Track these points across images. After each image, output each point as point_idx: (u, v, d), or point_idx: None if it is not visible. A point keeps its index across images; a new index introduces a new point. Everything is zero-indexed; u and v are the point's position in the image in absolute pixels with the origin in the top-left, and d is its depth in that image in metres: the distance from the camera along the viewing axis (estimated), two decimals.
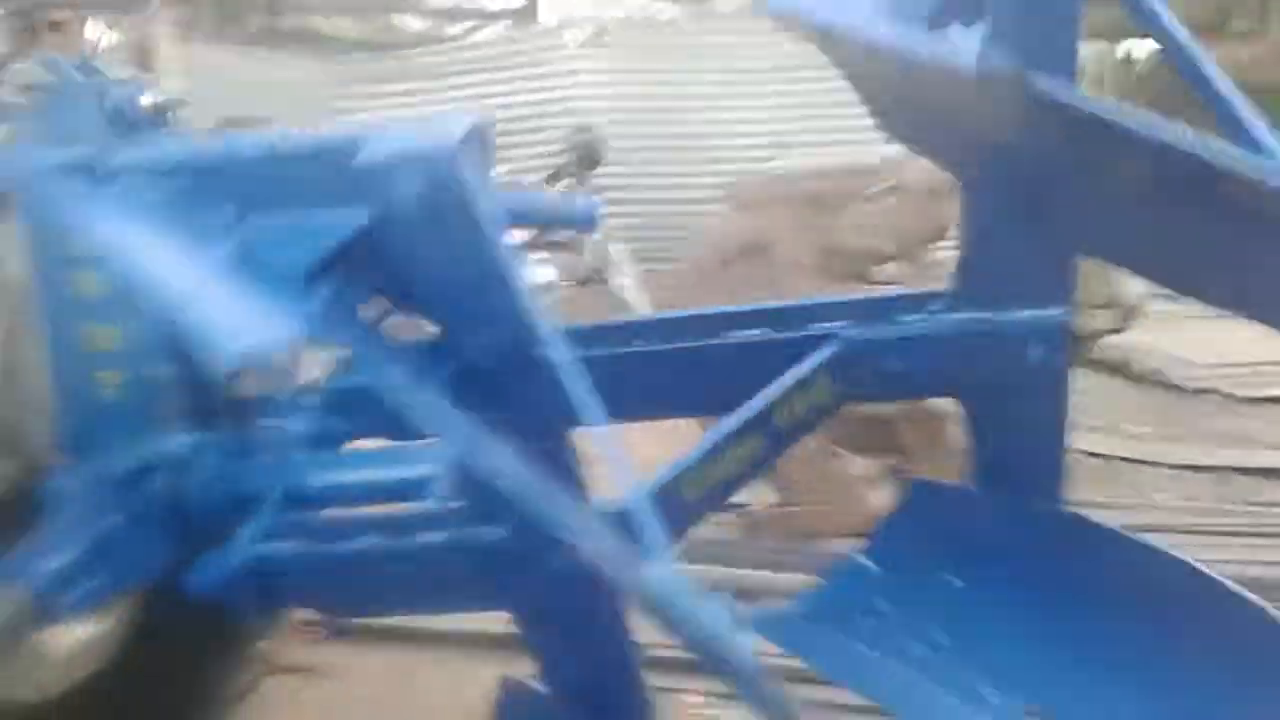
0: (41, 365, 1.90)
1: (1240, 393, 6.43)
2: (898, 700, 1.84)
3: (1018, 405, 1.86)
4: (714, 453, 1.73)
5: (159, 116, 1.77)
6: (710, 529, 4.39)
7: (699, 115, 9.85)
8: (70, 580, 1.67)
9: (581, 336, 1.82)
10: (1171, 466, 5.29)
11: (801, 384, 1.76)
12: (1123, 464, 5.27)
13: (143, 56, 2.33)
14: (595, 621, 1.61)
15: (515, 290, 1.41)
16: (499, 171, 9.38)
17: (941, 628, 1.85)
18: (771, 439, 1.76)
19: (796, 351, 1.80)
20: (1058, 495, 1.94)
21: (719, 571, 3.91)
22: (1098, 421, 6.05)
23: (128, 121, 1.70)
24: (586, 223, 1.98)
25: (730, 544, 4.22)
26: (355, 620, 3.57)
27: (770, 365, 1.79)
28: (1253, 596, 1.70)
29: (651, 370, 1.95)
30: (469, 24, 22.56)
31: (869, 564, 1.93)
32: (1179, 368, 6.77)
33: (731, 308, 1.97)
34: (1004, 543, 1.91)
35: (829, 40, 1.83)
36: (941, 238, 5.04)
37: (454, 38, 19.74)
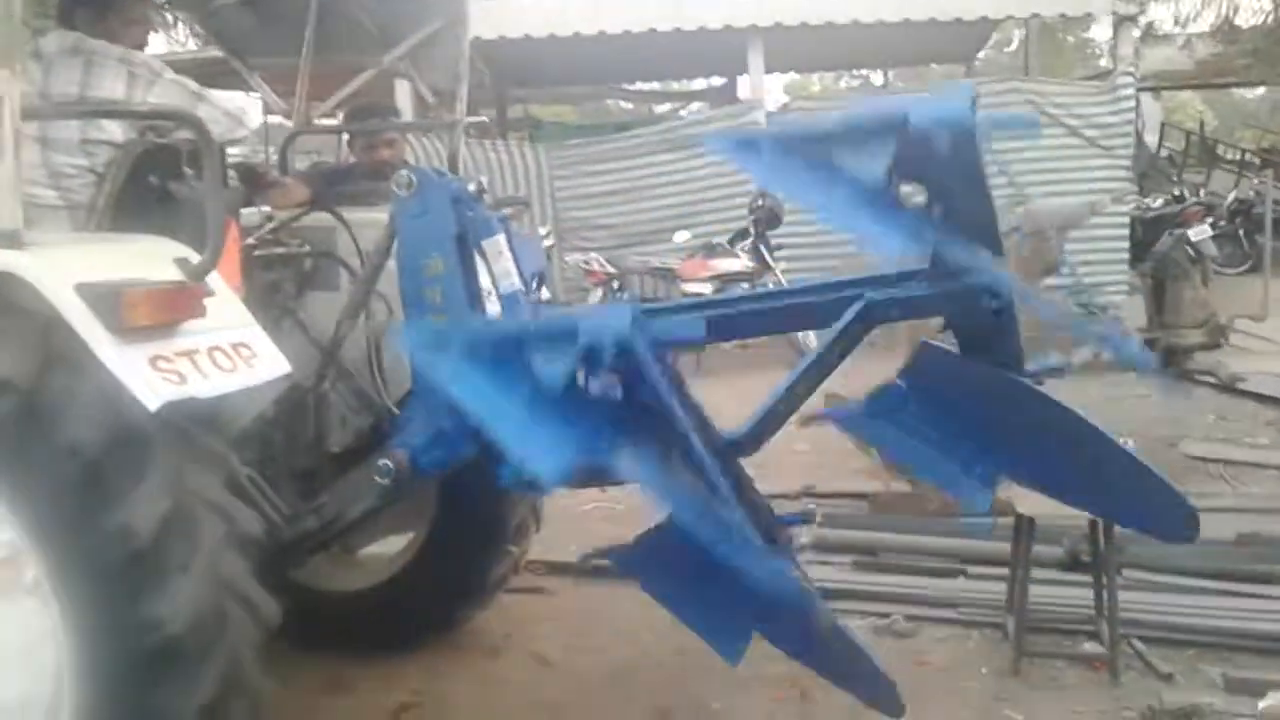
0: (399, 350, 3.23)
1: None
2: (919, 465, 2.96)
3: (980, 331, 2.86)
4: (795, 383, 2.86)
5: (480, 197, 3.10)
6: (850, 508, 5.48)
7: None
8: (423, 453, 2.99)
9: (719, 302, 3.06)
10: (1275, 468, 5.95)
11: (842, 330, 2.84)
12: (1225, 466, 5.96)
13: (450, 160, 3.56)
14: None
15: None
16: (688, 236, 10.68)
17: (947, 424, 2.94)
18: (825, 367, 2.87)
19: (840, 305, 2.85)
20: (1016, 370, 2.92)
21: (857, 535, 4.98)
22: (1217, 432, 6.75)
23: (463, 201, 3.03)
24: None
25: (865, 518, 5.27)
26: (564, 561, 4.89)
27: (825, 312, 2.87)
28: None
29: (763, 315, 3.02)
30: (674, 104, 24.22)
31: (903, 385, 3.02)
32: None
33: (804, 284, 3.10)
34: (979, 386, 2.92)
35: None
36: (1053, 273, 5.96)
37: (661, 117, 21.34)
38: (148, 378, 2.33)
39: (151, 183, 3.22)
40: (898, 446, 3.03)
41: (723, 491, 2.45)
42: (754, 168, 2.65)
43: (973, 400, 2.92)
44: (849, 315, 2.86)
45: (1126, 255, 11.10)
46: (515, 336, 2.59)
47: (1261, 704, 3.39)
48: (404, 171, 3.05)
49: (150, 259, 2.61)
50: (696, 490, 2.53)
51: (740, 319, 2.95)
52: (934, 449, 2.93)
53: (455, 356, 2.56)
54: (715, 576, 2.78)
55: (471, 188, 3.10)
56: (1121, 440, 2.82)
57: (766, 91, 13.19)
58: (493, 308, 3.30)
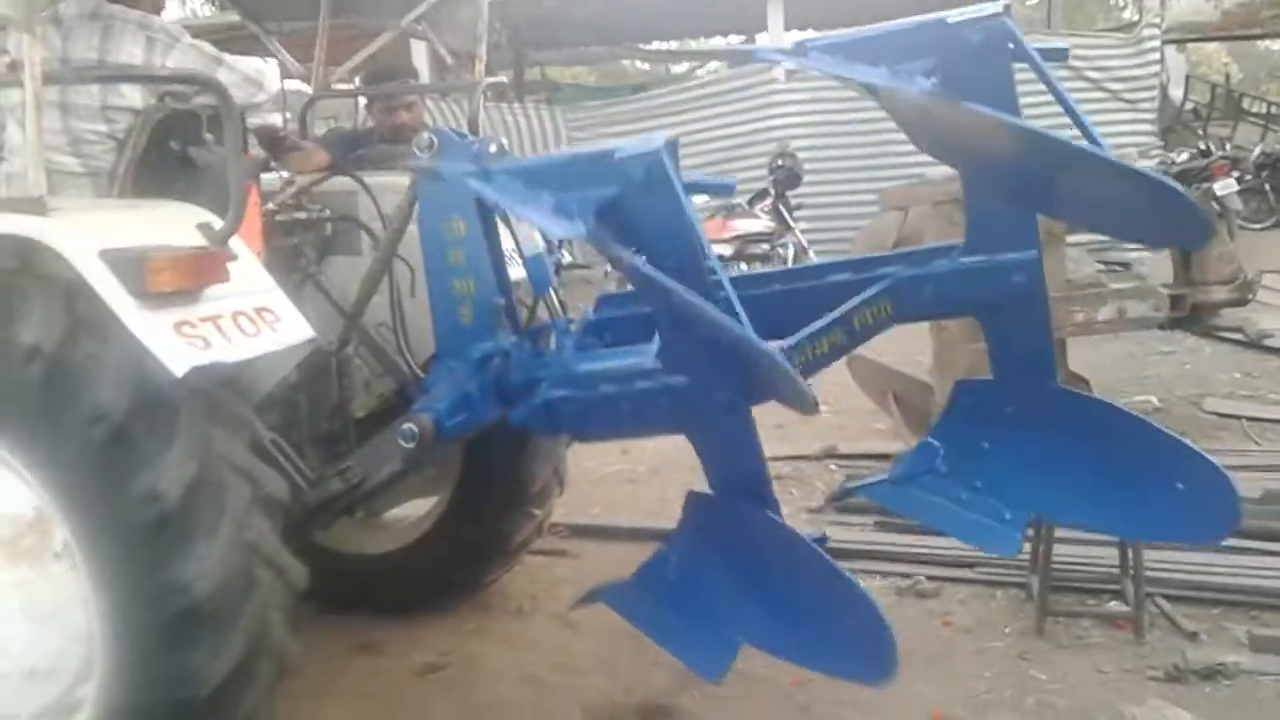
0: (423, 311, 3.22)
1: None
2: (947, 526, 2.99)
3: (1010, 314, 2.89)
4: (815, 335, 2.84)
5: (500, 158, 3.08)
6: (871, 469, 5.46)
7: (882, 134, 10.60)
8: (447, 417, 2.98)
9: (745, 280, 3.06)
10: None
11: (869, 300, 2.85)
12: (1250, 423, 5.90)
13: (470, 122, 3.52)
14: (737, 437, 2.75)
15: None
16: (707, 197, 10.59)
17: (978, 472, 2.96)
18: (850, 334, 2.85)
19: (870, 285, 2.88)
20: (1048, 374, 2.96)
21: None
22: (1242, 390, 6.69)
23: (483, 161, 3.00)
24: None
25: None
26: (587, 523, 4.94)
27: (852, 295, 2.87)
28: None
29: (783, 301, 3.06)
30: (692, 64, 24.01)
31: (934, 443, 3.05)
32: None
33: (828, 261, 3.11)
34: (1014, 412, 2.95)
35: (871, 93, 2.93)
36: (1069, 232, 5.86)
37: (678, 78, 21.16)
38: (173, 343, 2.34)
39: (172, 148, 3.21)
40: (924, 510, 3.08)
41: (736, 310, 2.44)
42: (802, 62, 2.78)
43: (1010, 430, 2.93)
44: (877, 286, 2.87)
45: None
46: (553, 167, 2.69)
47: None
48: (425, 134, 3.02)
49: (173, 225, 2.61)
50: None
51: (770, 301, 2.97)
52: (962, 507, 2.96)
53: (496, 183, 2.75)
54: (699, 594, 2.83)
55: (493, 149, 3.07)
56: (1144, 399, 2.81)
57: None
58: (516, 270, 3.30)
